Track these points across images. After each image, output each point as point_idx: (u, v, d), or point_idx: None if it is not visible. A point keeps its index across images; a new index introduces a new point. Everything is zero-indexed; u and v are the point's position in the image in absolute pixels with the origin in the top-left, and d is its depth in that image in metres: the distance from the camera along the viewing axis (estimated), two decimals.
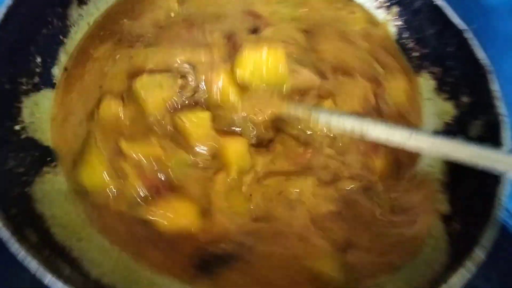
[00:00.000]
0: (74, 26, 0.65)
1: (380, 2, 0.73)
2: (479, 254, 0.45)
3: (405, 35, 0.71)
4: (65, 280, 0.39)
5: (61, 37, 0.63)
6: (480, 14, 0.85)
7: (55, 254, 0.43)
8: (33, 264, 0.38)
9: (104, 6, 0.68)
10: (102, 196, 0.51)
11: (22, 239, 0.40)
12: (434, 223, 0.55)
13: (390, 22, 0.72)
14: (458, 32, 0.63)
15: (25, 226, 0.43)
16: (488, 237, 0.45)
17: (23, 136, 0.53)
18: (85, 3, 0.66)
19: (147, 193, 0.52)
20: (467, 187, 0.55)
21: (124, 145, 0.53)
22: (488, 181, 0.52)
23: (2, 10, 0.54)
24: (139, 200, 0.51)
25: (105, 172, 0.51)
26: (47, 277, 0.38)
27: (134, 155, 0.53)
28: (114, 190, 0.52)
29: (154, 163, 0.53)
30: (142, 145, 0.53)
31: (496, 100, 0.57)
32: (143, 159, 0.53)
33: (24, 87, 0.56)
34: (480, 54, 0.61)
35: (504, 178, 0.50)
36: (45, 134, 0.56)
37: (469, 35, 0.62)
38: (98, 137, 0.54)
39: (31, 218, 0.46)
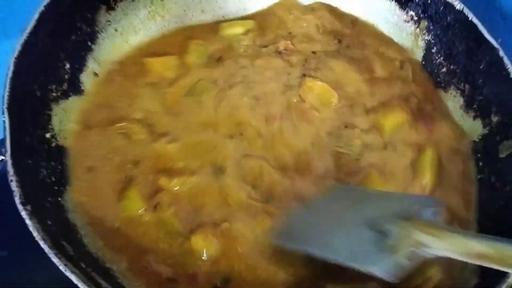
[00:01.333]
0: (102, 32, 0.65)
1: (410, 15, 0.72)
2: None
3: (434, 50, 0.71)
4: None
5: (89, 43, 0.63)
6: (505, 29, 0.85)
7: (90, 266, 0.42)
8: (73, 278, 0.38)
9: (132, 13, 0.68)
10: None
11: (60, 252, 0.40)
12: None
13: (419, 36, 0.72)
14: (492, 50, 0.62)
15: (60, 237, 0.43)
16: None
17: (53, 145, 0.53)
18: (113, 9, 0.66)
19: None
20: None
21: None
22: None
23: (34, 16, 0.53)
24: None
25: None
26: None
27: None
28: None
29: None
30: None
31: None
32: None
33: (54, 94, 0.56)
34: None
35: None
36: (72, 143, 0.56)
37: (502, 54, 0.62)
38: None
39: (65, 229, 0.45)
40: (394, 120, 0.62)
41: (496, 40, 0.79)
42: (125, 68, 0.65)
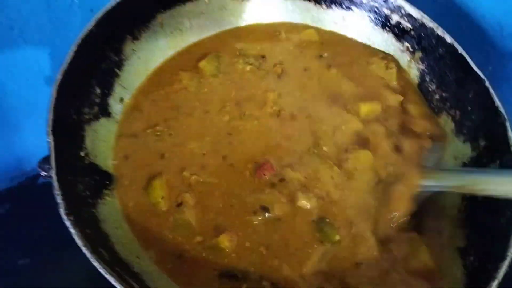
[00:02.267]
0: (128, 60, 0.72)
1: (406, 46, 0.79)
2: (493, 286, 0.50)
3: (427, 78, 0.78)
4: None
5: (116, 70, 0.70)
6: (495, 58, 0.92)
7: (123, 270, 0.49)
8: (112, 279, 0.44)
9: (153, 42, 0.75)
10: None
11: (99, 257, 0.46)
12: (453, 255, 0.60)
13: (414, 65, 0.79)
14: (479, 81, 0.69)
15: (97, 244, 0.49)
16: (502, 272, 0.51)
17: (86, 162, 0.59)
18: (138, 39, 0.73)
19: None
20: (483, 223, 0.61)
21: None
22: (502, 220, 0.58)
23: (72, 48, 0.60)
24: None
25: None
26: None
27: None
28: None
29: None
30: None
31: None
32: None
33: (86, 117, 0.63)
34: (498, 102, 0.66)
35: None
36: (103, 160, 0.62)
37: (488, 85, 0.68)
38: None
39: (100, 237, 0.52)
40: None
41: (487, 68, 0.86)
42: (148, 88, 0.72)
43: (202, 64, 0.74)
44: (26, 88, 0.89)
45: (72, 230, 0.47)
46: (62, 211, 0.48)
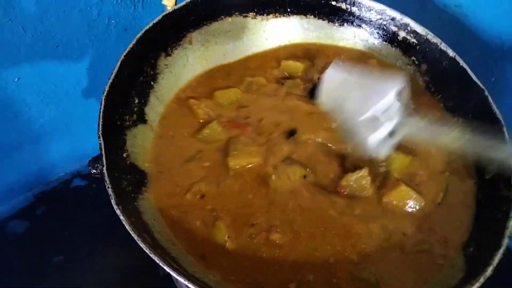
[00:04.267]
0: (161, 73, 0.80)
1: (412, 59, 0.87)
2: (489, 271, 0.57)
3: (432, 89, 0.85)
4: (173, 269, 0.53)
5: (152, 82, 0.78)
6: (497, 70, 0.98)
7: (163, 253, 0.56)
8: (156, 258, 0.52)
9: (183, 58, 0.83)
10: None
11: (144, 240, 0.54)
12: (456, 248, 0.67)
13: (419, 77, 0.86)
14: (478, 91, 0.76)
15: (141, 231, 0.57)
16: (497, 258, 0.58)
17: (128, 162, 0.68)
18: (170, 55, 0.82)
19: None
20: (483, 219, 0.68)
21: None
22: (499, 215, 0.64)
23: (117, 64, 0.69)
24: None
25: None
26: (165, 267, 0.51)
27: None
28: None
29: None
30: None
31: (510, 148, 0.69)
32: None
33: (127, 123, 0.71)
34: (496, 110, 0.73)
35: None
36: (141, 161, 0.70)
37: (487, 94, 0.75)
38: None
39: (142, 225, 0.59)
40: None
41: (490, 79, 0.94)
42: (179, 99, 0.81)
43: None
44: (66, 99, 0.99)
45: (121, 217, 0.55)
46: (113, 201, 0.56)
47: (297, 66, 0.85)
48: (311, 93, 0.79)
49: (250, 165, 0.70)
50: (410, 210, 0.68)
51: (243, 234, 0.63)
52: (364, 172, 0.67)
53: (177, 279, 0.66)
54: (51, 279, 0.96)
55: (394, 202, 0.68)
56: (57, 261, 0.98)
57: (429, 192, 0.70)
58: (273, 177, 0.68)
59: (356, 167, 0.69)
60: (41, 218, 1.05)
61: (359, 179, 0.68)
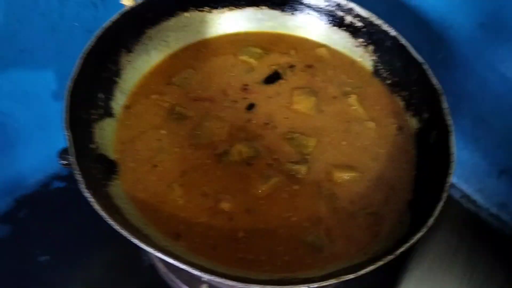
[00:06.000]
0: (124, 69, 0.84)
1: (359, 42, 0.93)
2: (431, 221, 0.63)
3: (379, 67, 0.91)
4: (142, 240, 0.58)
5: (115, 78, 0.82)
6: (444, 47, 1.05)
7: (135, 232, 0.61)
8: (125, 233, 0.57)
9: (144, 53, 0.88)
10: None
11: (114, 219, 0.58)
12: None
13: (367, 57, 0.93)
14: (419, 65, 0.83)
15: (113, 212, 0.61)
16: (438, 210, 0.64)
17: (97, 153, 0.72)
18: (131, 51, 0.86)
19: None
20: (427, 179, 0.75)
21: None
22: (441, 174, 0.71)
23: (79, 61, 0.73)
24: None
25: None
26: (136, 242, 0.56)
27: None
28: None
29: None
30: None
31: (446, 116, 0.76)
32: None
33: (94, 117, 0.75)
34: (435, 81, 0.80)
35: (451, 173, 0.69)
36: (110, 152, 0.75)
37: (426, 67, 0.82)
38: None
39: (113, 207, 0.64)
40: None
41: (437, 55, 1.00)
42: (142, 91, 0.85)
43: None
44: (38, 103, 1.02)
45: (91, 199, 0.59)
46: (82, 186, 0.60)
47: (252, 52, 0.91)
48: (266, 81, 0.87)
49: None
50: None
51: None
52: None
53: (159, 267, 0.72)
54: (39, 278, 1.00)
55: None
56: (44, 261, 1.02)
57: None
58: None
59: None
60: (24, 221, 1.09)
61: None
